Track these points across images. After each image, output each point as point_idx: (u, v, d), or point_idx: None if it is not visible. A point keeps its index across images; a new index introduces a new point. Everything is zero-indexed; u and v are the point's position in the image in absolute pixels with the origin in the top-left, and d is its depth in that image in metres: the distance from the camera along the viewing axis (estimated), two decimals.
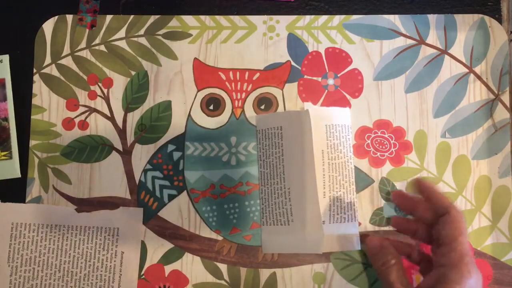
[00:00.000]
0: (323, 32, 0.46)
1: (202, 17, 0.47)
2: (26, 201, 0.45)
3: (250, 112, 0.46)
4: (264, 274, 0.44)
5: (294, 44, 0.46)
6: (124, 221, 0.44)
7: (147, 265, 0.44)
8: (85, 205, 0.45)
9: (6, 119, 0.45)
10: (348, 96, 0.46)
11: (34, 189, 0.45)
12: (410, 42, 0.46)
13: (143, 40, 0.47)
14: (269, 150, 0.44)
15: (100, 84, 0.46)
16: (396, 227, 0.41)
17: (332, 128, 0.43)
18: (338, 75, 0.46)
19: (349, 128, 0.44)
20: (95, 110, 0.46)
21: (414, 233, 0.39)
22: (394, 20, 0.47)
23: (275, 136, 0.44)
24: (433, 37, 0.46)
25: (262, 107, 0.46)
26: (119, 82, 0.46)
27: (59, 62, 0.46)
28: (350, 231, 0.43)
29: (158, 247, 0.44)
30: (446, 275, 0.32)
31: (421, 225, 0.38)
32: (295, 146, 0.43)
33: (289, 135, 0.43)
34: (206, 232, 0.45)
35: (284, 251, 0.44)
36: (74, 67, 0.46)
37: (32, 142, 0.45)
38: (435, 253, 0.35)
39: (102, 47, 0.47)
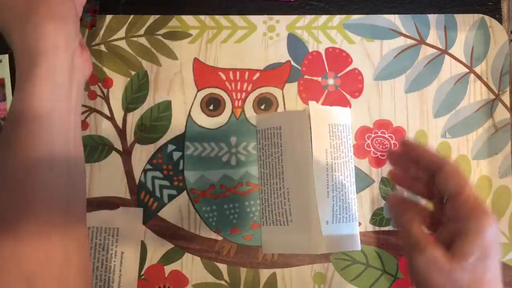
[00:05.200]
0: (323, 32, 0.46)
1: (202, 17, 0.47)
2: None
3: (250, 112, 0.46)
4: (264, 274, 0.44)
5: (294, 44, 0.46)
6: (124, 221, 0.44)
7: (147, 265, 0.44)
8: None
9: (5, 119, 0.45)
10: (348, 96, 0.46)
11: None
12: (410, 42, 0.46)
13: (143, 40, 0.46)
14: (268, 150, 0.44)
15: (100, 84, 0.46)
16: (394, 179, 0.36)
17: (334, 128, 0.43)
18: (338, 75, 0.46)
19: (350, 128, 0.44)
20: (95, 110, 0.46)
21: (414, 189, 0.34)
22: (394, 20, 0.46)
23: (275, 136, 0.44)
24: (433, 37, 0.46)
25: (262, 107, 0.46)
26: (119, 82, 0.46)
27: None
28: (350, 231, 0.43)
29: (158, 247, 0.44)
30: (465, 227, 0.29)
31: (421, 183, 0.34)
32: (294, 146, 0.43)
33: (288, 135, 0.43)
34: (206, 232, 0.45)
35: (284, 251, 0.44)
36: None
37: None
38: (444, 210, 0.32)
39: (102, 47, 0.46)
